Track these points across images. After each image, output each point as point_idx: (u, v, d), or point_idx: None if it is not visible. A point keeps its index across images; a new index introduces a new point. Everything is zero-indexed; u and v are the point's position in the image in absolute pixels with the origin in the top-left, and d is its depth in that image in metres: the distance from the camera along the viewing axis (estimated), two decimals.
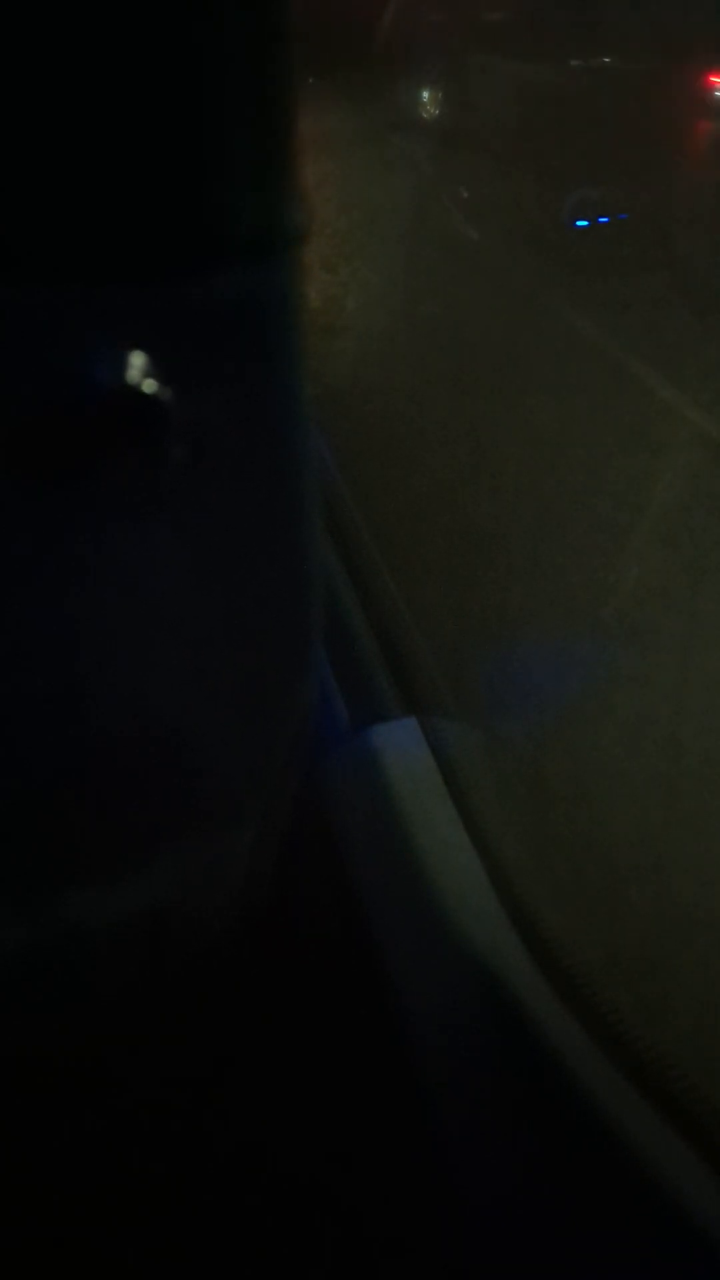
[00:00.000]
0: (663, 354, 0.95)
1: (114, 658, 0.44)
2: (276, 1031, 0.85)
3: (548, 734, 0.98)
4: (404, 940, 0.88)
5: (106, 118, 0.38)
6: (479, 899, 0.88)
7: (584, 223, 1.18)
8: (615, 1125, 0.71)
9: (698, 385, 0.92)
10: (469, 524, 1.19)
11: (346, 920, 0.91)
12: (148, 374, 0.40)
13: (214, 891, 0.54)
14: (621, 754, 0.87)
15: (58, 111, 0.37)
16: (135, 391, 0.40)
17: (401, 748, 0.99)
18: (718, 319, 0.86)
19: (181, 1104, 0.78)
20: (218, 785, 0.50)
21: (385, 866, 0.92)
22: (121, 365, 0.40)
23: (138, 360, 0.40)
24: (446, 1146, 0.77)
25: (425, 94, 1.98)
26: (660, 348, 0.96)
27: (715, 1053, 0.75)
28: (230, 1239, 0.77)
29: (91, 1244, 0.71)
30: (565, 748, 0.95)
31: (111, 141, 0.38)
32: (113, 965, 0.52)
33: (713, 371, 0.88)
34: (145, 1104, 0.74)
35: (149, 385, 0.40)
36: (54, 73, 0.36)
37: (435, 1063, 0.83)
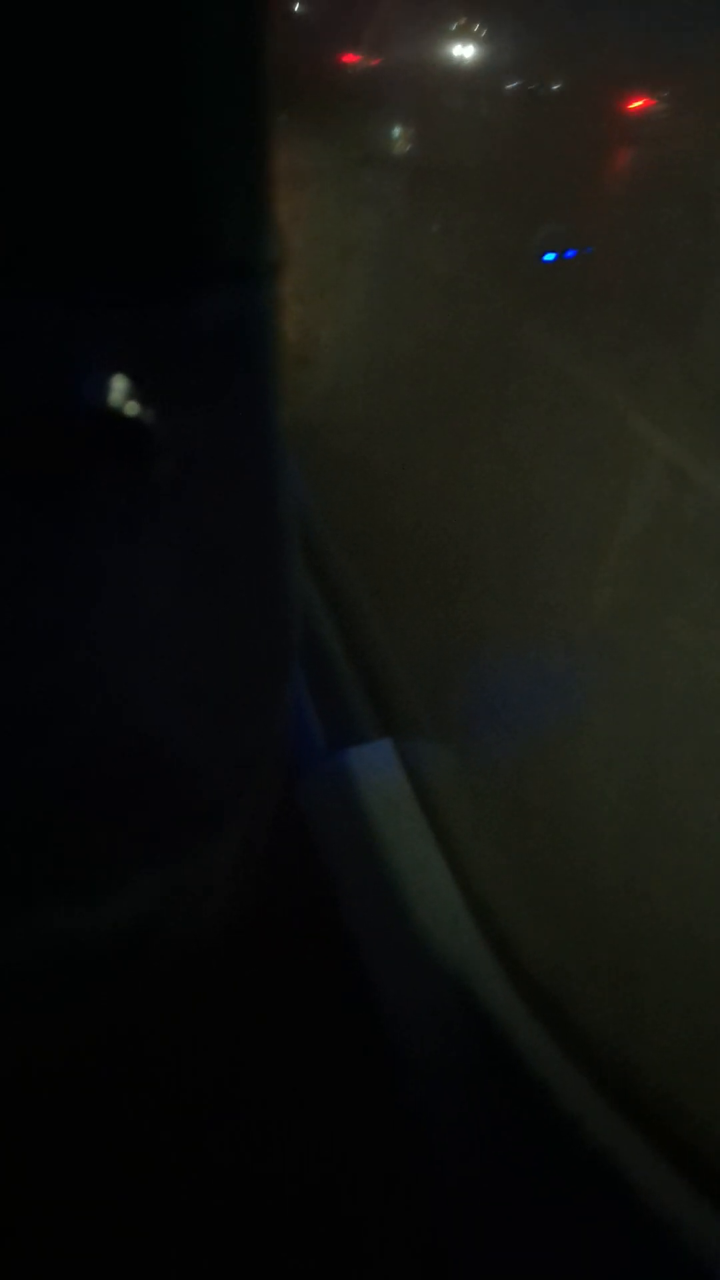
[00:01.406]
0: (629, 382, 0.97)
1: (97, 675, 0.45)
2: (258, 1043, 0.85)
3: (522, 753, 0.99)
4: (382, 957, 0.89)
5: (94, 150, 0.39)
6: (454, 916, 0.88)
7: (552, 256, 1.21)
8: (593, 1137, 0.71)
9: (664, 412, 0.94)
10: (443, 547, 1.20)
11: (325, 938, 0.91)
12: (131, 396, 0.41)
13: (195, 906, 0.54)
14: (595, 770, 0.88)
15: (47, 142, 0.38)
16: (119, 413, 0.41)
17: (377, 769, 1.00)
18: (680, 348, 0.88)
19: (168, 1112, 0.78)
20: (199, 802, 0.50)
21: (362, 886, 0.93)
22: (106, 387, 0.41)
23: (121, 383, 0.41)
24: (428, 1156, 0.78)
25: (396, 131, 2.01)
26: (627, 375, 0.98)
27: (692, 1067, 0.75)
28: (219, 1245, 0.77)
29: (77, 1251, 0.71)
30: (540, 766, 0.96)
31: (98, 174, 0.39)
32: (95, 977, 0.52)
33: (678, 399, 0.90)
34: (133, 1112, 0.74)
35: (132, 407, 0.42)
36: (43, 106, 0.37)
37: (414, 1075, 0.83)
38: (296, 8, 2.46)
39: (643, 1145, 0.70)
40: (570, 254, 1.20)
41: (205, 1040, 0.78)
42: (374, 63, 2.11)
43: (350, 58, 2.16)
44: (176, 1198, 0.77)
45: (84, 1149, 0.72)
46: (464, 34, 1.95)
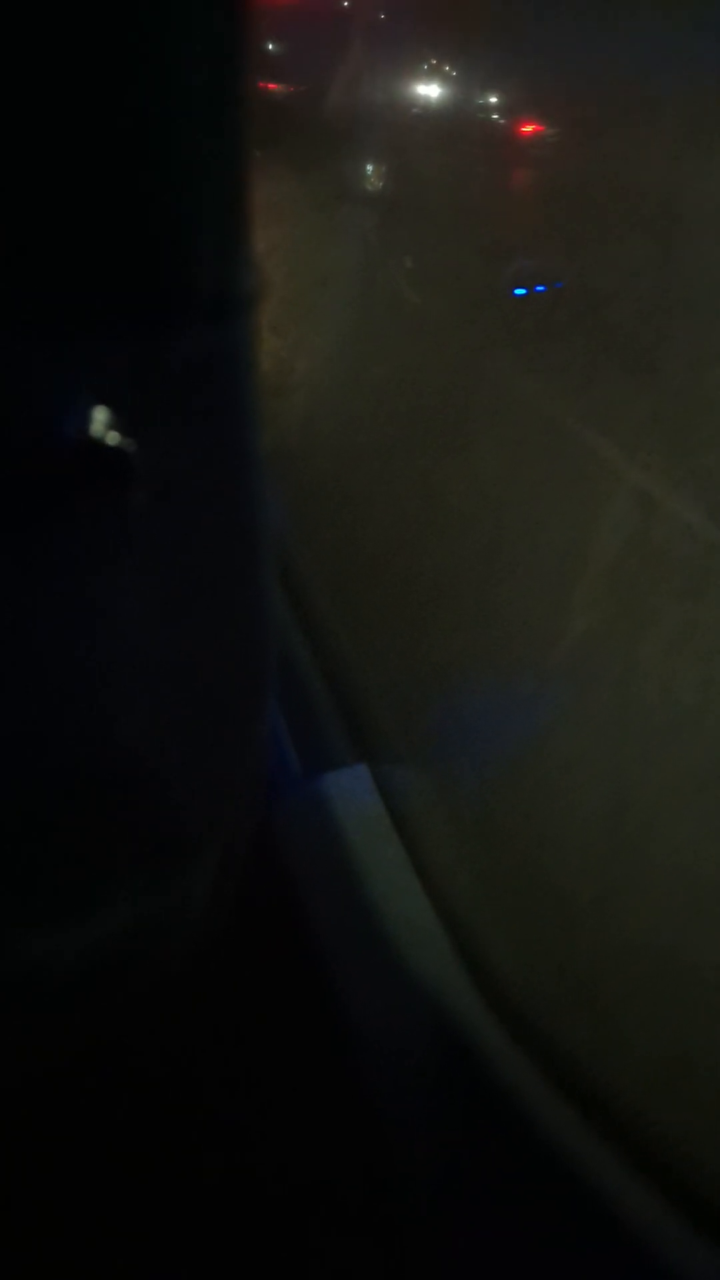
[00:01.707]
0: (598, 413, 0.99)
1: (72, 701, 0.45)
2: (234, 1070, 0.85)
3: (496, 777, 1.00)
4: (358, 984, 0.89)
5: (72, 182, 0.40)
6: (430, 942, 0.89)
7: (522, 290, 1.23)
8: (567, 1160, 0.72)
9: (633, 443, 0.95)
10: (417, 575, 1.21)
11: (301, 965, 0.91)
12: (111, 426, 0.42)
13: (170, 933, 0.54)
14: (567, 792, 0.89)
15: (23, 173, 0.39)
16: (99, 442, 0.42)
17: (353, 794, 1.00)
18: (646, 380, 0.90)
19: (143, 1139, 0.77)
20: (174, 828, 0.50)
21: (338, 913, 0.93)
22: (86, 417, 0.42)
23: (101, 413, 0.42)
24: (404, 1179, 0.78)
25: (370, 167, 2.04)
26: (596, 407, 1.00)
27: (664, 1085, 0.76)
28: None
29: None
30: (512, 790, 0.97)
31: (75, 205, 0.40)
32: (67, 1005, 0.52)
33: (646, 429, 0.92)
34: (106, 1140, 0.74)
35: (112, 437, 0.42)
36: (20, 137, 0.38)
37: (389, 1102, 0.83)
38: (271, 46, 2.50)
39: (616, 1163, 0.71)
40: (540, 288, 1.22)
41: (180, 1068, 0.78)
42: (348, 100, 2.15)
43: (325, 95, 2.19)
44: (151, 1217, 0.76)
45: (55, 1176, 0.72)
46: (436, 74, 1.99)
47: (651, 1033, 0.79)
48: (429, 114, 1.94)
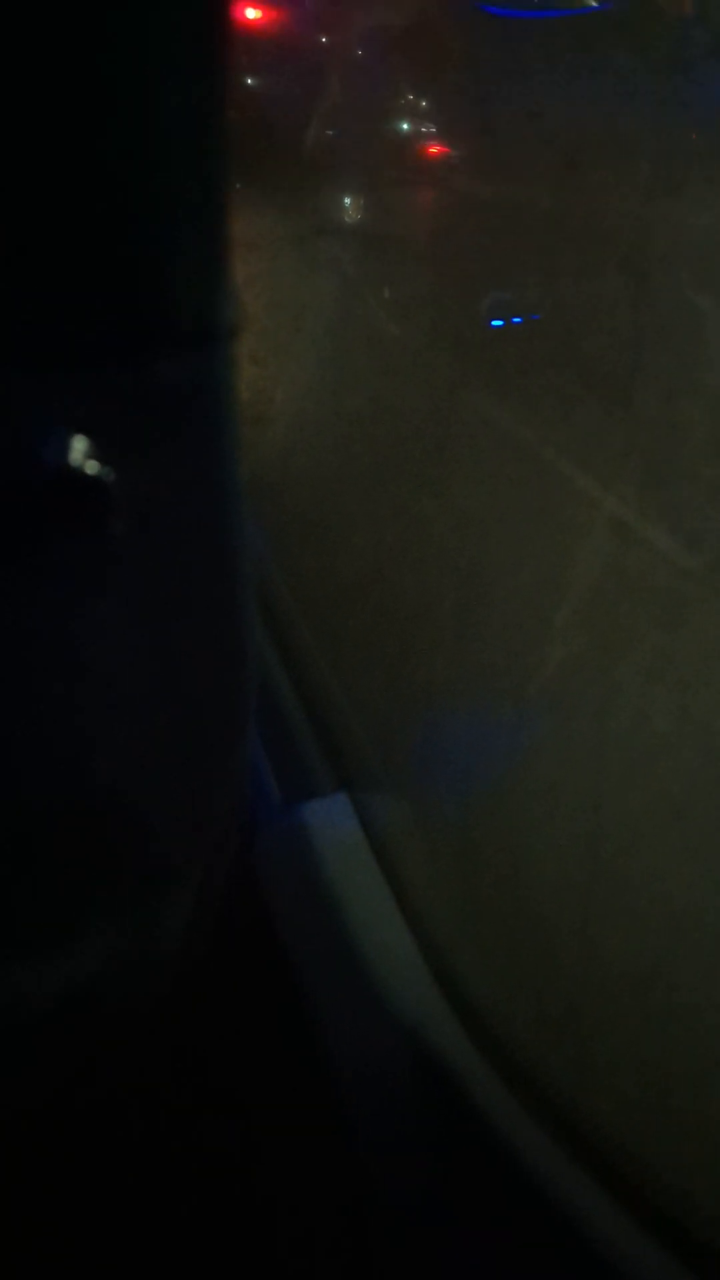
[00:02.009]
0: (575, 444, 1.00)
1: (50, 732, 0.45)
2: (212, 1104, 0.84)
3: (475, 805, 1.00)
4: (338, 1012, 0.88)
5: (53, 214, 0.40)
6: (410, 971, 0.89)
7: (499, 322, 1.24)
8: (545, 1186, 0.71)
9: (609, 473, 0.96)
10: (396, 604, 1.21)
11: (281, 995, 0.91)
12: (90, 455, 0.42)
13: (146, 967, 0.54)
14: (546, 820, 0.89)
15: (3, 205, 0.39)
16: (78, 472, 0.42)
17: (333, 823, 1.00)
18: (622, 413, 0.91)
19: (119, 1174, 0.76)
20: (152, 858, 0.50)
21: (318, 941, 0.92)
22: (65, 447, 0.42)
23: (81, 443, 0.42)
24: (380, 1205, 0.77)
25: (348, 200, 2.05)
26: (572, 438, 1.01)
27: (642, 1113, 0.76)
28: None
29: None
30: (491, 817, 0.97)
31: (56, 236, 0.40)
32: (42, 1039, 0.52)
33: (622, 460, 0.93)
34: (82, 1175, 0.73)
35: (91, 466, 0.42)
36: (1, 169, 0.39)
37: (369, 1129, 0.82)
38: (250, 81, 2.53)
39: (595, 1189, 0.70)
40: (517, 320, 1.23)
41: (160, 1098, 0.77)
42: (326, 134, 2.17)
43: (304, 129, 2.22)
44: (132, 1248, 0.76)
45: (31, 1211, 0.71)
46: (411, 108, 2.02)
47: (630, 1060, 0.79)
48: (406, 147, 1.97)
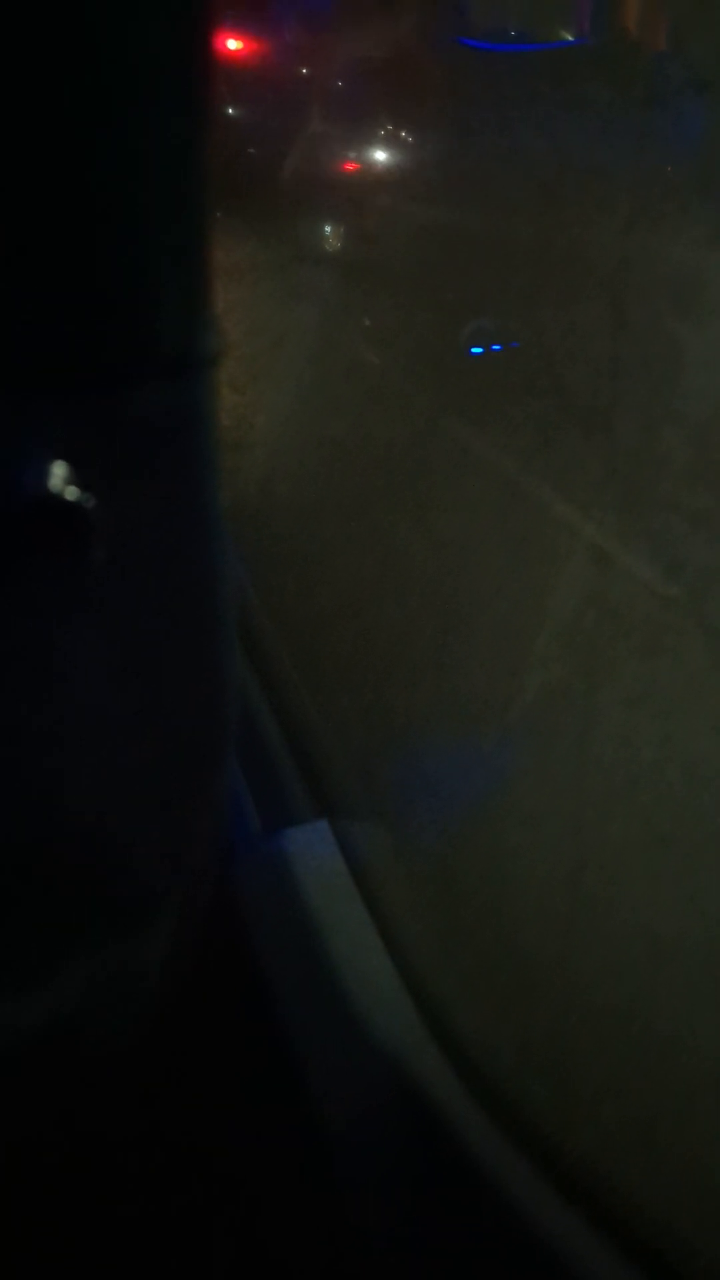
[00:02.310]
0: (553, 471, 1.01)
1: (28, 759, 0.45)
2: (191, 1139, 0.83)
3: (456, 832, 1.00)
4: (318, 1042, 0.88)
5: (32, 242, 0.40)
6: (391, 1000, 0.88)
7: (479, 350, 1.25)
8: (528, 1217, 0.71)
9: (588, 500, 0.97)
10: (377, 631, 1.21)
11: (260, 1024, 0.90)
12: (70, 481, 0.42)
13: (126, 998, 0.53)
14: (527, 848, 0.89)
15: None
16: (57, 498, 0.42)
17: (313, 851, 0.99)
18: (600, 440, 0.91)
19: (94, 1208, 0.75)
20: (131, 888, 0.50)
21: (298, 968, 0.92)
22: (45, 473, 0.42)
23: (60, 469, 0.42)
24: (363, 1240, 0.76)
25: (328, 229, 2.07)
26: (551, 466, 1.01)
27: (625, 1145, 0.75)
28: None
29: None
30: (473, 845, 0.97)
31: (35, 264, 0.40)
32: (18, 1073, 0.51)
33: (601, 487, 0.94)
34: (57, 1210, 0.72)
35: (71, 492, 0.42)
36: None
37: (350, 1161, 0.81)
38: (231, 111, 2.55)
39: (579, 1223, 0.70)
40: (496, 348, 1.24)
41: (134, 1137, 0.76)
42: (307, 163, 2.19)
43: (285, 158, 2.23)
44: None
45: (13, 1243, 0.70)
46: (391, 139, 2.04)
47: (613, 1090, 0.79)
48: (385, 177, 1.98)
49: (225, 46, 2.56)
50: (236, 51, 2.61)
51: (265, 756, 1.16)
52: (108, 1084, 0.56)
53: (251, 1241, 0.81)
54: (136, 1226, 0.79)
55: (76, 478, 0.42)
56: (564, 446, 0.98)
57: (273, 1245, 0.81)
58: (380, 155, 2.02)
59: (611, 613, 0.89)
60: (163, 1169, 0.81)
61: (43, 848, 0.45)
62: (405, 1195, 0.79)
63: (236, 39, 2.58)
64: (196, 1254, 0.80)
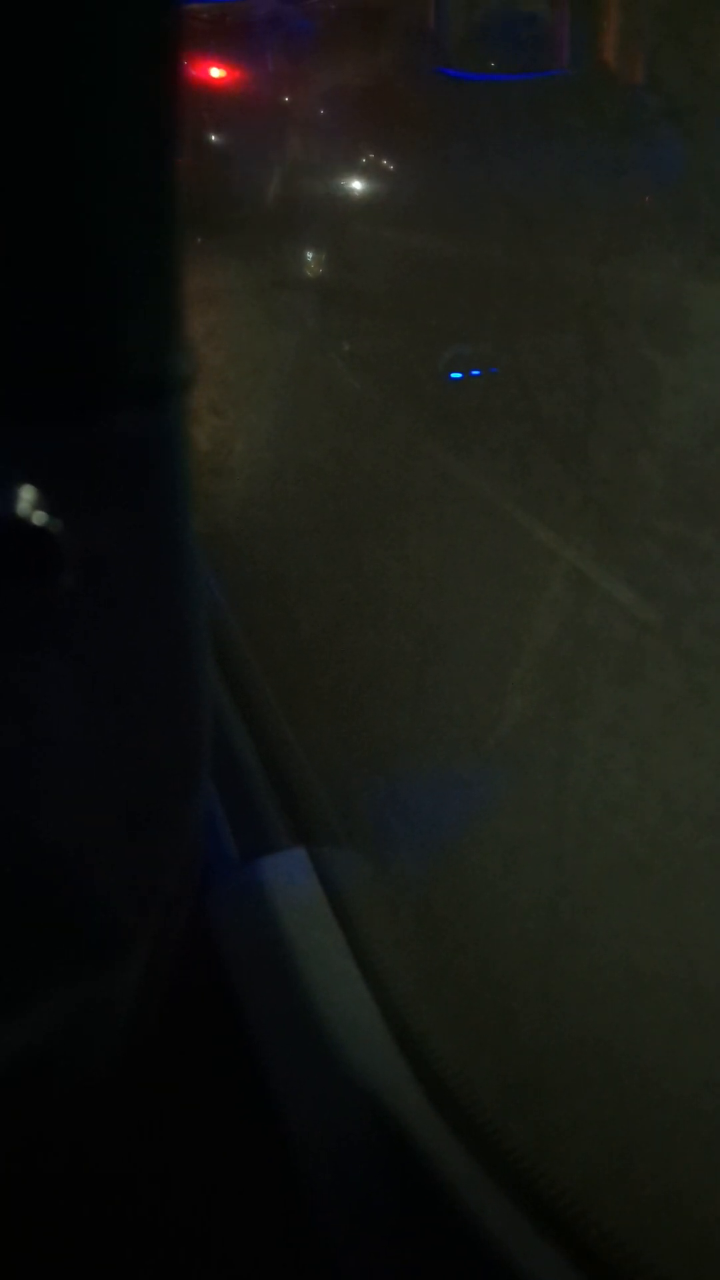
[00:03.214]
0: (532, 497, 1.01)
1: None
2: (164, 1173, 0.82)
3: (434, 861, 0.99)
4: (294, 1073, 0.87)
5: (4, 269, 0.40)
6: (369, 1030, 0.87)
7: (458, 375, 1.26)
8: (505, 1251, 0.70)
9: (568, 525, 0.97)
10: (355, 657, 1.21)
11: (236, 1054, 0.89)
12: (39, 507, 0.42)
13: (99, 1029, 0.52)
14: (506, 877, 0.89)
15: None
16: (27, 524, 0.42)
17: (290, 879, 0.99)
18: (577, 466, 0.92)
19: (67, 1243, 0.74)
20: (105, 915, 0.49)
21: (275, 999, 0.91)
22: (13, 498, 0.41)
23: (29, 494, 0.41)
24: (339, 1274, 0.75)
25: (309, 255, 2.08)
26: (529, 491, 1.02)
27: (604, 1179, 0.75)
28: None
29: None
30: (452, 874, 0.96)
31: (10, 292, 0.40)
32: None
33: (579, 513, 0.94)
34: (29, 1244, 0.70)
35: (39, 517, 0.42)
36: None
37: (326, 1195, 0.80)
38: (213, 138, 2.57)
39: (556, 1256, 0.69)
40: (475, 373, 1.25)
41: (107, 1171, 0.75)
42: (288, 190, 2.20)
43: (266, 185, 2.25)
44: None
45: None
46: (373, 167, 2.05)
47: (592, 1122, 0.78)
48: (366, 204, 2.00)
49: (208, 74, 2.58)
50: (219, 79, 2.63)
51: (243, 783, 1.15)
52: (82, 1116, 0.56)
53: (226, 1271, 0.80)
54: (110, 1259, 0.78)
55: (46, 504, 0.41)
56: (542, 472, 0.98)
57: (246, 1271, 0.80)
58: (361, 183, 2.04)
59: (589, 639, 0.89)
60: (134, 1203, 0.80)
61: (13, 879, 0.45)
62: (382, 1226, 0.78)
63: (219, 67, 2.60)
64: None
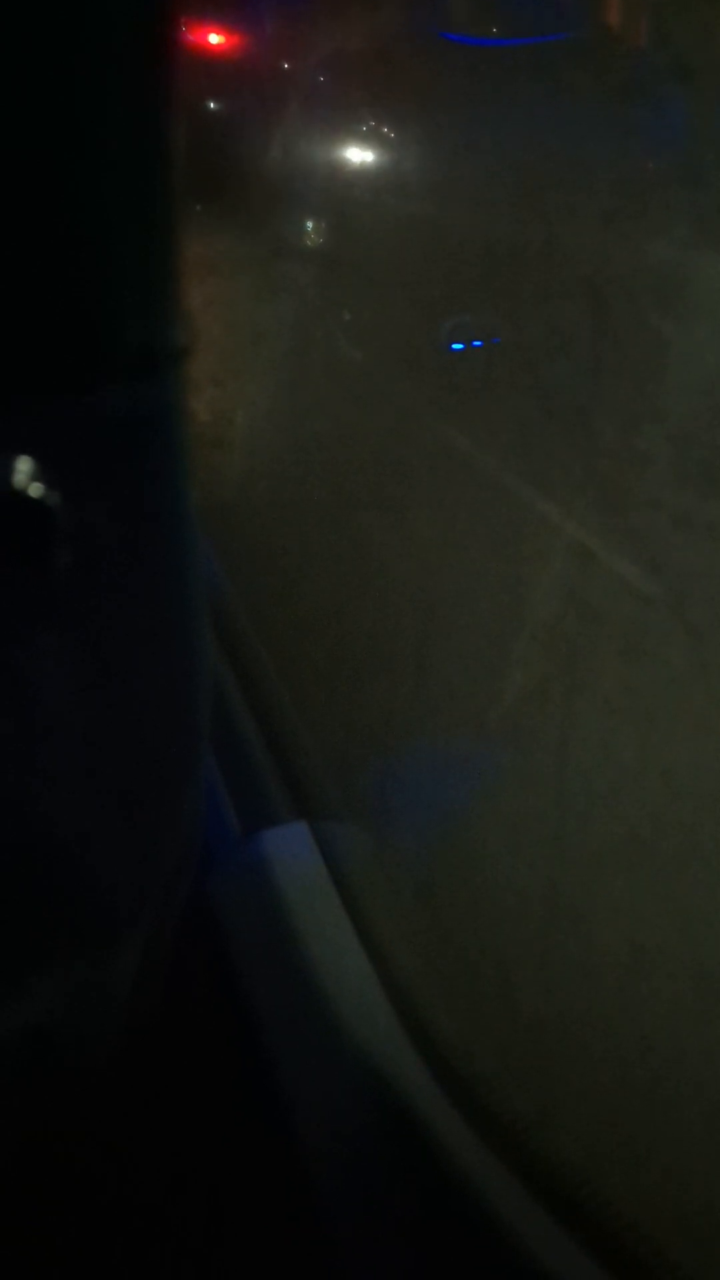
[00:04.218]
0: (534, 469, 1.00)
1: None
2: (167, 1150, 0.82)
3: (435, 836, 0.99)
4: (296, 1048, 0.87)
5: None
6: (371, 1004, 0.87)
7: (459, 346, 1.24)
8: (508, 1225, 0.70)
9: (570, 498, 0.96)
10: (356, 632, 1.21)
11: (238, 1033, 0.89)
12: (35, 482, 0.41)
13: (100, 1008, 0.52)
14: (507, 853, 0.89)
15: None
16: (23, 497, 0.41)
17: (292, 853, 0.99)
18: (579, 438, 0.91)
19: (71, 1220, 0.75)
20: (104, 895, 0.49)
21: (276, 973, 0.91)
22: (8, 473, 0.41)
23: (26, 466, 0.41)
24: (338, 1251, 0.76)
25: (309, 223, 2.06)
26: (531, 463, 1.01)
27: (607, 1151, 0.75)
28: None
29: None
30: (452, 849, 0.96)
31: (4, 264, 0.39)
32: (3, 1088, 0.50)
33: (581, 487, 0.93)
34: (35, 1221, 0.71)
35: (36, 490, 0.41)
36: None
37: (329, 1173, 0.81)
38: (211, 104, 2.54)
39: (557, 1229, 0.69)
40: (477, 344, 1.23)
41: (110, 1149, 0.75)
42: (287, 158, 2.18)
43: (265, 152, 2.23)
44: None
45: None
46: (373, 134, 2.03)
47: (592, 1097, 0.78)
48: (366, 171, 1.98)
49: (205, 40, 2.55)
50: (217, 45, 2.60)
51: (244, 758, 1.15)
52: (84, 1095, 0.56)
53: (225, 1252, 0.80)
54: (112, 1236, 0.78)
55: (43, 478, 0.41)
56: (545, 444, 0.97)
57: (250, 1253, 0.80)
58: (361, 149, 2.01)
59: (592, 614, 0.89)
60: (136, 1180, 0.80)
61: (12, 858, 0.45)
62: (383, 1200, 0.78)
63: (217, 33, 2.57)
64: (170, 1260, 0.79)
